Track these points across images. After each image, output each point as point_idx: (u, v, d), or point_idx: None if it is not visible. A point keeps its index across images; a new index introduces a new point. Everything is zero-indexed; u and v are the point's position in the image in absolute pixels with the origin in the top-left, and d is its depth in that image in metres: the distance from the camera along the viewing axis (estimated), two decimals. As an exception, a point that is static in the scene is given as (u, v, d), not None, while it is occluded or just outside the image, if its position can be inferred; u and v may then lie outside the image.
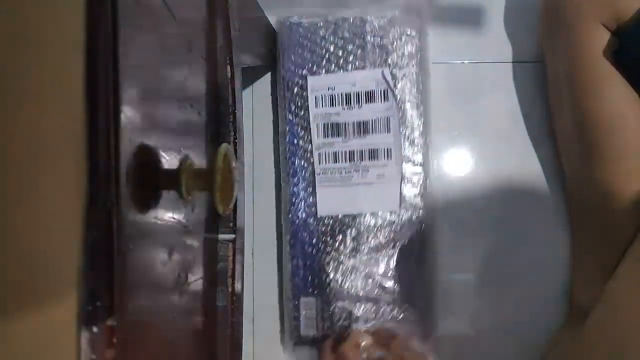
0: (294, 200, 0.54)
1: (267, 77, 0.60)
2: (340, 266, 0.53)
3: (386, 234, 0.53)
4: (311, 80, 0.54)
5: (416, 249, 0.53)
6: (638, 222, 0.45)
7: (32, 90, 0.18)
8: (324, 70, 0.54)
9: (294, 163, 0.54)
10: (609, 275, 0.45)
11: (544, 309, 0.55)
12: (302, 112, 0.54)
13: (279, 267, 0.57)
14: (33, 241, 0.18)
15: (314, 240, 0.53)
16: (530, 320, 0.55)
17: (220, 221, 0.39)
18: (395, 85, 0.53)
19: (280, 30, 0.56)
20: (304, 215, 0.54)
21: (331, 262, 0.53)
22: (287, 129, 0.55)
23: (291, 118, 0.55)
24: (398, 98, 0.53)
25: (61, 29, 0.18)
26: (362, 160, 0.53)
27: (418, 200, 0.53)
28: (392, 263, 0.53)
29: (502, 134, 0.57)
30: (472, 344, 0.54)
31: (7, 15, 0.18)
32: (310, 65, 0.55)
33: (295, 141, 0.55)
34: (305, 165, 0.54)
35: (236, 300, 0.38)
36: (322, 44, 0.54)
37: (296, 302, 0.53)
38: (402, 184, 0.53)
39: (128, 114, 0.21)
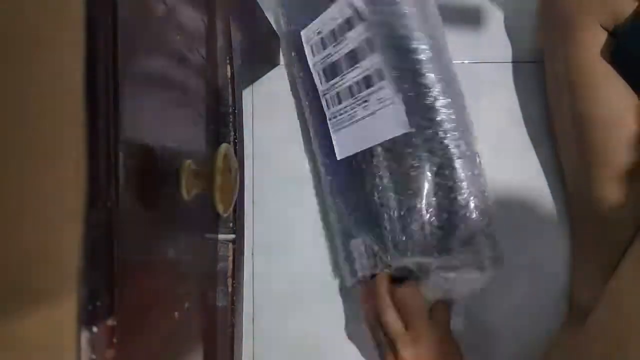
0: (321, 150, 0.54)
1: (267, 77, 0.60)
2: (374, 206, 0.49)
3: (412, 158, 0.48)
4: (304, 33, 0.54)
5: (453, 164, 0.47)
6: (638, 222, 0.45)
7: (32, 90, 0.18)
8: (312, 17, 0.54)
9: (315, 117, 0.55)
10: (609, 275, 0.45)
11: (544, 309, 0.55)
12: (307, 68, 0.55)
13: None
14: (33, 241, 0.18)
15: (345, 183, 0.52)
16: (530, 320, 0.55)
17: (220, 221, 0.39)
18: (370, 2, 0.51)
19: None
20: (331, 162, 0.53)
21: (364, 203, 0.50)
22: (303, 87, 0.55)
23: (302, 75, 0.55)
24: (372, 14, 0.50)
25: (61, 29, 0.18)
26: (360, 91, 0.51)
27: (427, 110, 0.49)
28: (428, 182, 0.47)
29: (502, 134, 0.57)
30: (472, 344, 0.54)
31: (8, 16, 0.18)
32: (303, 21, 0.55)
33: (310, 95, 0.55)
34: (321, 115, 0.54)
35: (236, 300, 0.38)
36: None
37: (347, 245, 0.52)
38: (404, 99, 0.49)
39: (128, 114, 0.21)
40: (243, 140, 0.44)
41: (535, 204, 0.56)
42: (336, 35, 0.52)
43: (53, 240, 0.18)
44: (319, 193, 0.58)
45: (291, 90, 0.60)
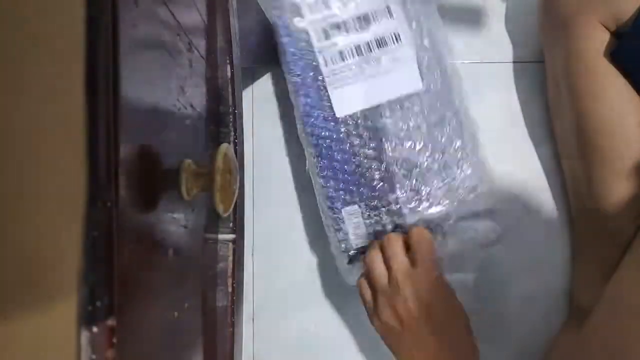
0: (308, 110, 0.52)
1: (267, 77, 0.60)
2: (375, 164, 0.50)
3: (414, 116, 0.50)
4: None
5: (448, 118, 0.50)
6: (638, 222, 0.45)
7: (32, 90, 0.18)
8: None
9: (299, 75, 0.52)
10: (609, 275, 0.45)
11: (544, 309, 0.55)
12: (298, 24, 0.52)
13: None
14: (33, 241, 0.18)
15: (341, 145, 0.51)
16: (530, 320, 0.55)
17: (220, 221, 0.39)
18: None
19: None
20: (322, 122, 0.51)
21: (364, 162, 0.50)
22: (286, 42, 0.52)
23: (286, 32, 0.53)
24: None
25: (61, 29, 0.18)
26: (371, 51, 0.51)
27: (437, 72, 0.51)
28: (429, 145, 0.49)
29: (502, 134, 0.57)
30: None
31: (8, 16, 0.18)
32: None
33: (296, 52, 0.52)
34: (312, 73, 0.52)
35: (236, 300, 0.38)
36: None
37: (339, 215, 0.50)
38: (419, 60, 0.51)
39: (128, 114, 0.21)
40: (243, 140, 0.44)
41: (535, 204, 0.56)
42: None
43: (53, 240, 0.18)
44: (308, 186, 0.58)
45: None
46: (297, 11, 0.52)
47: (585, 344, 0.44)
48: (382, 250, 0.45)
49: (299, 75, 0.52)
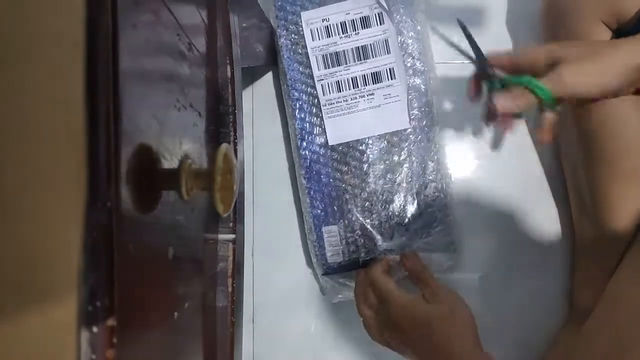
0: (303, 134, 0.55)
1: (267, 77, 0.60)
2: (357, 191, 0.54)
3: (400, 152, 0.54)
4: (305, 15, 0.55)
5: (429, 163, 0.54)
6: (638, 222, 0.45)
7: (33, 90, 0.18)
8: (317, 4, 0.55)
9: (298, 99, 0.55)
10: (609, 275, 0.45)
11: (544, 309, 0.55)
12: (300, 49, 0.55)
13: (297, 207, 0.58)
14: (33, 241, 0.18)
15: (329, 170, 0.54)
16: (530, 320, 0.55)
17: (220, 221, 0.39)
18: (389, 8, 0.54)
19: None
20: (315, 147, 0.55)
21: (348, 189, 0.54)
22: (287, 66, 0.55)
23: (289, 55, 0.55)
24: (396, 19, 0.54)
25: (61, 29, 0.18)
26: (366, 84, 0.54)
27: (425, 111, 0.54)
28: (410, 183, 0.54)
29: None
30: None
31: (8, 16, 0.18)
32: (302, 2, 0.55)
33: (296, 76, 0.55)
34: (310, 99, 0.55)
35: (236, 300, 0.38)
36: None
37: (319, 232, 0.54)
38: (409, 99, 0.54)
39: (128, 114, 0.21)
40: (243, 140, 0.44)
41: (536, 205, 0.56)
42: (347, 28, 0.54)
43: (53, 241, 0.18)
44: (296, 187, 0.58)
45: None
46: (301, 36, 0.55)
47: (585, 344, 0.44)
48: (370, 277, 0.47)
49: (297, 99, 0.55)
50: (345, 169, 0.54)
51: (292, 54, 0.55)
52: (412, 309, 0.42)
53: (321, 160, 0.55)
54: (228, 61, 0.41)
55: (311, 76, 0.55)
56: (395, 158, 0.54)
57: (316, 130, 0.55)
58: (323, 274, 0.55)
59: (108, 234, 0.19)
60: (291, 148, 0.57)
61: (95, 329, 0.18)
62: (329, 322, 0.57)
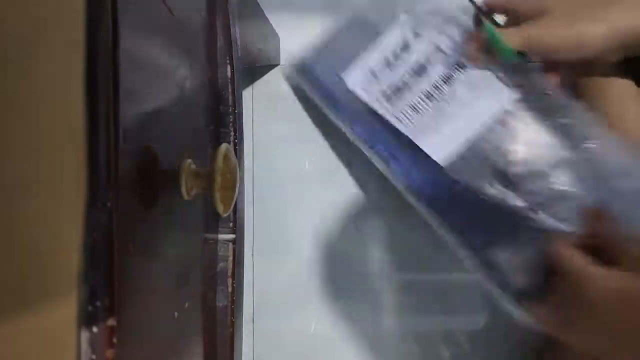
0: (405, 174, 0.50)
1: (267, 77, 0.60)
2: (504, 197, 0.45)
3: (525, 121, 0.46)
4: (347, 78, 0.51)
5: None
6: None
7: (32, 90, 0.18)
8: (351, 63, 0.52)
9: (382, 149, 0.51)
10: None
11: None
12: (360, 107, 0.51)
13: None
14: (33, 241, 0.18)
15: (453, 192, 0.47)
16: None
17: (220, 221, 0.39)
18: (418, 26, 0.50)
19: (300, 76, 0.56)
20: (424, 180, 0.49)
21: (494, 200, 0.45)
22: (349, 121, 0.52)
23: (361, 127, 0.52)
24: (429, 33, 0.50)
25: (61, 29, 0.18)
26: (441, 90, 0.48)
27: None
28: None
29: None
30: (472, 343, 0.54)
31: (8, 16, 0.18)
32: (337, 65, 0.52)
33: (362, 130, 0.51)
34: (389, 139, 0.50)
35: (236, 300, 0.38)
36: (340, 45, 0.53)
37: (486, 256, 0.45)
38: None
39: (128, 113, 0.21)
40: (243, 140, 0.44)
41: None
42: (390, 63, 0.51)
43: (53, 240, 0.18)
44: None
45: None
46: (355, 97, 0.51)
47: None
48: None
49: (382, 150, 0.51)
50: (481, 183, 0.46)
51: (359, 119, 0.51)
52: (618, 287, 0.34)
53: (441, 187, 0.47)
54: (228, 61, 0.41)
55: (380, 122, 0.50)
56: (529, 129, 0.45)
57: (415, 161, 0.49)
58: (517, 305, 0.44)
59: (108, 234, 0.19)
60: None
61: (95, 329, 0.18)
62: (328, 322, 0.57)
